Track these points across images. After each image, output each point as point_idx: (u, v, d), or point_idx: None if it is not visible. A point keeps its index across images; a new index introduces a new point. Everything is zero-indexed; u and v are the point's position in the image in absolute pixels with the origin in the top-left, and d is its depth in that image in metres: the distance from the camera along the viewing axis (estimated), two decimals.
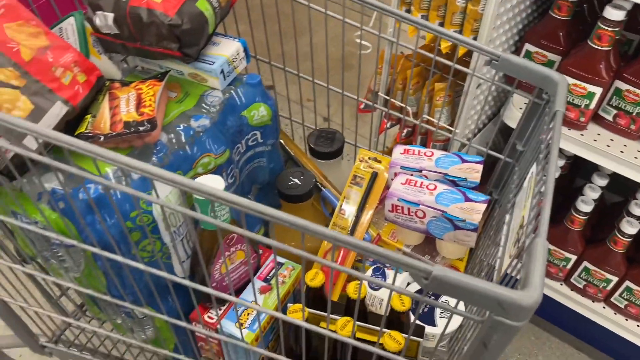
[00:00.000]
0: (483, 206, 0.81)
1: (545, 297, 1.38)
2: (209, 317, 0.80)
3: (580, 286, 1.31)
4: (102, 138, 0.69)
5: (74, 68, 0.72)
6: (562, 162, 1.22)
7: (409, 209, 0.84)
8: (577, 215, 1.20)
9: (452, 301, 0.84)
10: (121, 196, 0.69)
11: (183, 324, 0.74)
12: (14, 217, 0.72)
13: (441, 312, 0.88)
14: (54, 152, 0.70)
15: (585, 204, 1.17)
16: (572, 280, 1.32)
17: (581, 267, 1.27)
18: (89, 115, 0.73)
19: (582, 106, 1.05)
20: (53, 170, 0.61)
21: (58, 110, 0.69)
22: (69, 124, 0.72)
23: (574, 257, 1.27)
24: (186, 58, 0.77)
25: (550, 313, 1.46)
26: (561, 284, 1.35)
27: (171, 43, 0.75)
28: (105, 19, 0.77)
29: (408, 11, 1.12)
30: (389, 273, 0.90)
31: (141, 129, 0.69)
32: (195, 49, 0.77)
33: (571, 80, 1.03)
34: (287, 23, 0.93)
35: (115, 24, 0.77)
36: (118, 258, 0.66)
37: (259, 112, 0.88)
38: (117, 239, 0.69)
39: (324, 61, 1.02)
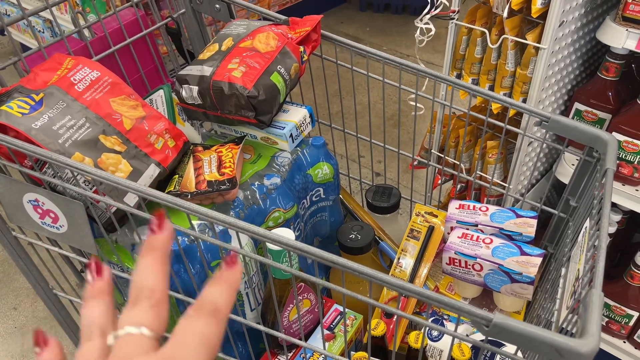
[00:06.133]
0: (539, 259, 0.84)
1: (608, 355, 1.34)
2: None
3: None
4: (189, 195, 0.78)
5: (165, 135, 0.83)
6: (618, 217, 1.23)
7: (466, 262, 0.88)
8: (636, 271, 1.19)
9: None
10: (204, 247, 0.77)
11: None
12: (109, 266, 0.81)
13: None
14: (147, 207, 0.79)
15: None
16: (635, 337, 1.28)
17: None
18: (176, 176, 0.82)
19: (635, 162, 1.08)
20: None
21: (152, 172, 0.79)
22: (160, 184, 0.81)
23: (636, 314, 1.25)
24: (260, 124, 0.87)
25: None
26: (624, 342, 1.32)
27: (248, 112, 0.85)
28: (190, 91, 0.88)
29: (459, 76, 1.20)
30: (448, 325, 0.93)
31: (222, 187, 0.78)
32: (269, 117, 0.86)
33: (622, 138, 1.06)
34: (344, 83, 1.02)
35: (199, 95, 0.87)
36: None
37: (323, 171, 0.96)
38: (199, 287, 0.77)
39: (376, 118, 1.09)
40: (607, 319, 1.30)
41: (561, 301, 0.78)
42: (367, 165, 2.09)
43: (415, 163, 1.22)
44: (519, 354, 0.85)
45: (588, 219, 0.76)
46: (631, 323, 1.27)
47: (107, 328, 0.31)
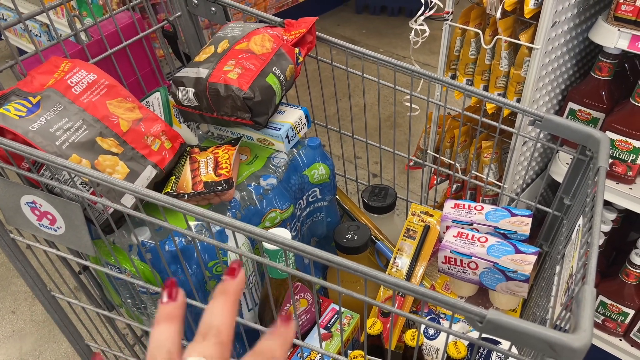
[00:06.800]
0: (533, 257, 0.85)
1: (604, 353, 1.35)
2: None
3: None
4: (186, 197, 0.78)
5: (162, 136, 0.83)
6: (613, 216, 1.24)
7: (461, 260, 0.89)
8: (632, 269, 1.20)
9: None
10: (200, 247, 0.78)
11: None
12: (107, 267, 0.81)
13: None
14: (144, 208, 0.80)
15: None
16: (631, 335, 1.29)
17: None
18: (173, 177, 0.83)
19: (629, 161, 1.09)
20: (147, 224, 0.71)
21: (149, 173, 0.79)
22: (156, 185, 0.82)
23: (632, 312, 1.25)
24: (256, 125, 0.87)
25: None
26: (620, 340, 1.33)
27: (244, 113, 0.85)
28: (187, 93, 0.89)
29: (454, 76, 1.21)
30: (444, 324, 0.94)
31: (219, 188, 0.78)
32: (265, 118, 0.87)
33: (616, 137, 1.07)
34: (340, 85, 1.03)
35: (196, 97, 0.88)
36: (197, 304, 0.74)
37: (319, 171, 0.97)
38: (197, 287, 0.77)
39: (372, 120, 1.10)
40: (603, 317, 1.31)
41: (555, 298, 0.78)
42: (364, 167, 2.10)
43: (411, 164, 1.23)
44: (514, 350, 0.85)
45: (581, 216, 0.77)
46: (627, 321, 1.28)
47: (173, 353, 0.33)
